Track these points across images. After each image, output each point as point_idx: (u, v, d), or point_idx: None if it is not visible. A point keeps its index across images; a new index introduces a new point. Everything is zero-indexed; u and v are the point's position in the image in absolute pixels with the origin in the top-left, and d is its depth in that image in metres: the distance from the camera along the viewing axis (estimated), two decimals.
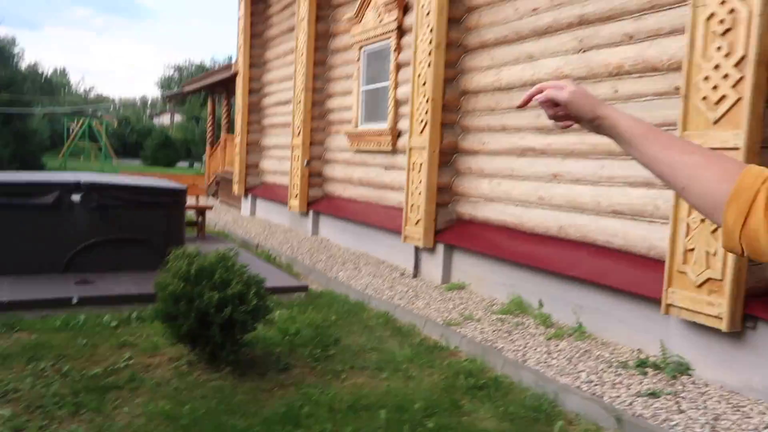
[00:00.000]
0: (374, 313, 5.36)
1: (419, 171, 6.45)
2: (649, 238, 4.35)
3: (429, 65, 6.27)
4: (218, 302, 3.56)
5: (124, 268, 5.99)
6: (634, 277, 4.37)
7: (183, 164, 41.02)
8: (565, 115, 1.07)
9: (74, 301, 4.98)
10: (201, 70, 58.12)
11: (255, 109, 12.50)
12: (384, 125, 7.82)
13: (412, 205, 6.58)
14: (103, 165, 27.11)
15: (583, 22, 4.90)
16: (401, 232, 7.05)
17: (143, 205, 6.11)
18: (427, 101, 6.31)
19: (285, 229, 10.36)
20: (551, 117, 1.09)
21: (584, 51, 4.89)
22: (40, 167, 22.63)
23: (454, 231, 6.32)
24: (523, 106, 1.18)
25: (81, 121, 27.17)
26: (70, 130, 28.37)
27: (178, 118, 56.96)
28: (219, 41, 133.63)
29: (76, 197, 5.80)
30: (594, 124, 1.02)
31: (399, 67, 7.53)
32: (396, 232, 7.36)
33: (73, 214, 5.80)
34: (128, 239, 6.04)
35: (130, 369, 3.83)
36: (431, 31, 6.24)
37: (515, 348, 4.31)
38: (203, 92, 18.42)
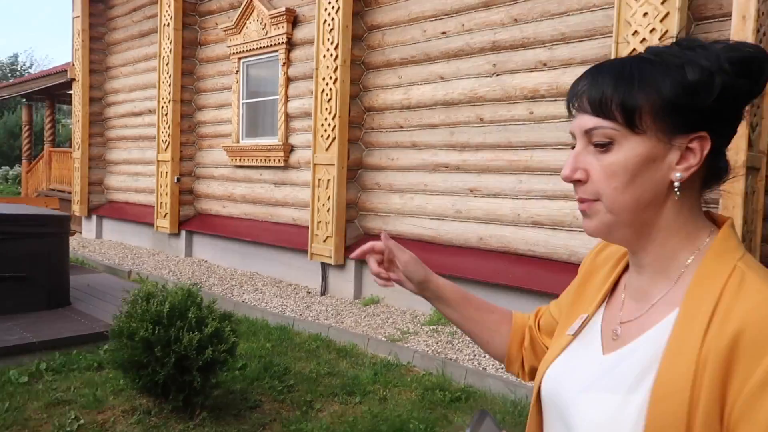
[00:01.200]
0: (306, 336, 5.25)
1: (327, 187, 6.43)
2: (569, 245, 4.87)
3: (335, 82, 6.30)
4: (197, 344, 3.27)
5: (3, 311, 5.13)
6: (557, 281, 4.86)
7: None
8: (389, 273, 1.14)
9: None
10: None
11: (97, 120, 11.32)
12: (274, 140, 7.64)
13: (319, 222, 6.53)
14: None
15: (495, 47, 5.32)
16: (303, 250, 6.96)
17: (22, 237, 5.28)
18: (333, 117, 6.32)
19: (149, 251, 9.56)
20: (375, 273, 1.14)
21: (498, 75, 5.31)
22: None
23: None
24: (357, 257, 1.24)
25: None
26: None
27: None
28: None
29: None
30: (421, 286, 1.11)
31: (289, 80, 7.42)
32: (292, 250, 7.25)
33: None
34: (6, 277, 5.18)
35: None
36: (336, 47, 6.27)
37: (467, 357, 4.55)
38: (14, 98, 16.14)
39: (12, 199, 8.33)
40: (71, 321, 5.07)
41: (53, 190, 13.89)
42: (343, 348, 4.91)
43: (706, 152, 0.75)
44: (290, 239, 7.32)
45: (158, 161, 9.11)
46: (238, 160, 8.18)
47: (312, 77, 7.06)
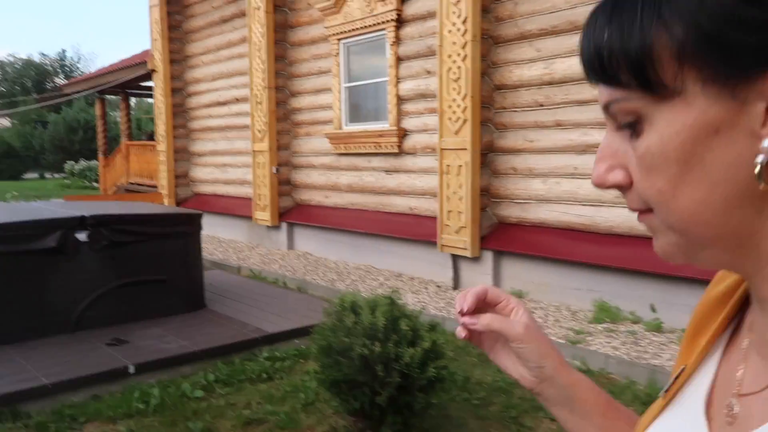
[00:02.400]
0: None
1: (458, 174, 6.00)
2: None
3: (464, 59, 5.83)
4: (420, 360, 2.91)
5: (143, 317, 4.92)
6: None
7: (31, 175, 36.48)
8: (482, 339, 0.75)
9: (131, 370, 3.94)
10: (30, 65, 51.67)
11: (178, 111, 11.15)
12: (384, 125, 7.24)
13: (449, 212, 6.12)
14: None
15: None
16: (424, 241, 6.59)
17: (158, 238, 5.04)
18: (463, 98, 5.87)
19: (247, 245, 9.35)
20: (463, 314, 0.72)
21: None
22: None
23: (501, 236, 5.98)
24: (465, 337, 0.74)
25: None
26: None
27: (6, 123, 50.11)
28: (39, 35, 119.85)
29: (81, 236, 4.62)
30: (545, 375, 0.70)
31: (399, 60, 6.98)
32: (411, 241, 6.88)
33: (80, 257, 4.62)
34: (145, 281, 4.95)
35: None
36: (464, 21, 5.79)
37: (669, 362, 4.09)
38: (81, 93, 16.20)
39: (112, 196, 8.18)
40: (219, 326, 4.81)
41: (133, 184, 13.89)
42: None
43: None
44: (408, 230, 6.94)
45: (254, 151, 8.84)
46: (342, 148, 7.82)
47: (427, 55, 6.62)
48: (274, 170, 8.59)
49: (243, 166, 9.86)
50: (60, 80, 53.95)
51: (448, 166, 6.09)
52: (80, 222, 4.62)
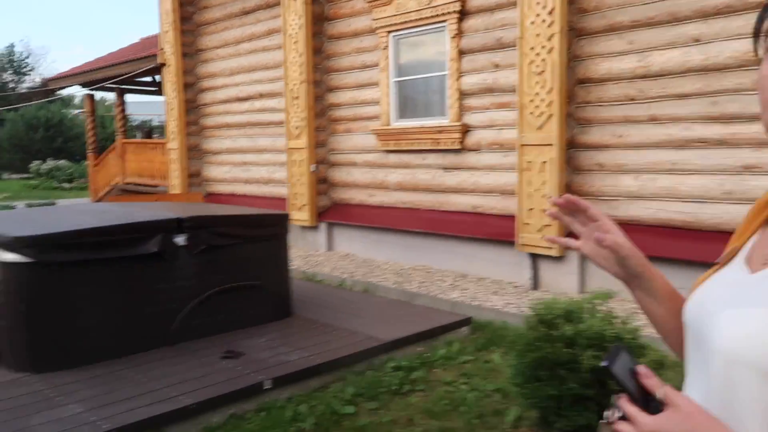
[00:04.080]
0: None
1: (540, 171, 5.80)
2: None
3: (549, 51, 5.64)
4: None
5: (239, 325, 4.55)
6: None
7: (12, 177, 34.63)
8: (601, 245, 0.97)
9: (267, 386, 3.57)
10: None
11: (190, 108, 10.61)
12: (442, 120, 6.98)
13: (530, 210, 5.92)
14: None
15: None
16: (491, 240, 6.39)
17: (251, 241, 4.66)
18: (548, 92, 5.68)
19: None
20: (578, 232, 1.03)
21: None
22: None
23: None
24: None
25: None
26: None
27: None
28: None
29: (180, 240, 4.20)
30: (634, 273, 0.97)
31: (461, 53, 6.74)
32: (475, 240, 6.66)
33: (179, 263, 4.20)
34: (242, 287, 4.57)
35: None
36: (551, 12, 5.60)
37: None
38: (64, 88, 15.31)
39: (154, 196, 7.60)
40: (325, 334, 4.47)
41: (130, 184, 13.20)
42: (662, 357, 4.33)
43: None
44: (471, 229, 6.71)
45: (289, 149, 8.44)
46: (390, 145, 7.53)
47: (496, 48, 6.41)
48: (312, 168, 8.22)
49: (268, 165, 9.44)
50: (8, 76, 51.47)
51: (529, 162, 5.89)
52: (178, 225, 4.21)
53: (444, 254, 7.04)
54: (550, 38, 5.64)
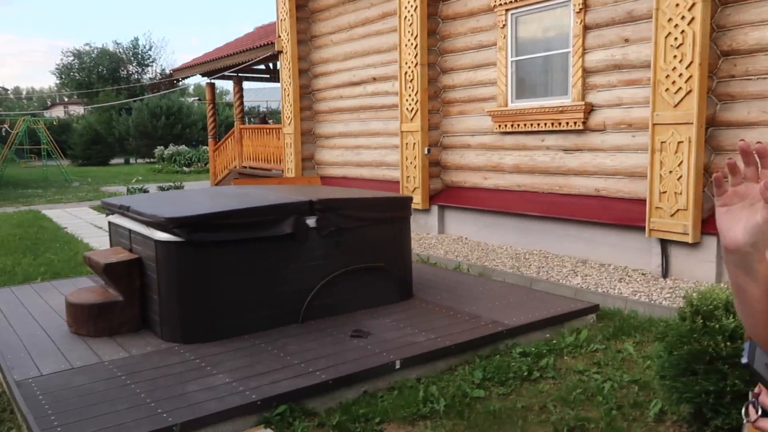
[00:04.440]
0: None
1: (676, 151, 5.44)
2: None
3: (690, 22, 5.24)
4: None
5: (363, 305, 4.65)
6: None
7: (117, 161, 37.64)
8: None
9: (398, 366, 3.64)
10: (105, 54, 53.09)
11: (304, 93, 10.93)
12: (564, 100, 6.72)
13: (663, 193, 5.57)
14: (56, 171, 23.94)
15: None
16: (615, 224, 6.08)
17: (376, 224, 4.73)
18: (687, 66, 5.28)
19: None
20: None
21: None
22: None
23: None
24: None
25: (17, 122, 23.65)
26: (2, 131, 24.63)
27: (78, 110, 51.56)
28: (91, 27, 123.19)
29: (311, 221, 4.35)
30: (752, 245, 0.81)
31: (586, 29, 6.42)
32: (597, 224, 6.37)
33: (310, 244, 4.36)
34: (366, 269, 4.66)
35: None
36: None
37: None
38: (186, 77, 16.28)
39: (275, 180, 8.01)
40: (447, 317, 4.47)
41: (246, 167, 13.87)
42: None
43: None
44: (594, 213, 6.43)
45: (402, 132, 8.48)
46: (507, 126, 7.35)
47: (626, 22, 6.04)
48: (426, 151, 8.22)
49: (379, 148, 9.56)
50: (133, 68, 55.49)
51: (663, 142, 5.53)
52: (310, 207, 4.35)
53: (562, 239, 6.82)
54: (690, 8, 5.23)
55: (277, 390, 3.23)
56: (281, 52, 10.90)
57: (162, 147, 29.83)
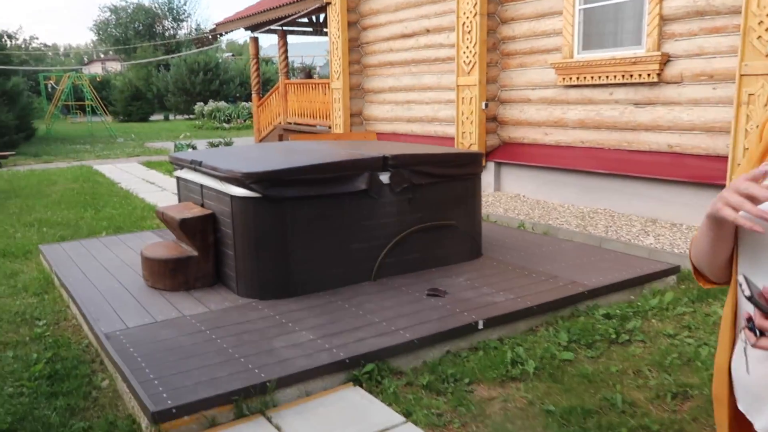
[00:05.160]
0: None
1: (766, 104, 5.11)
2: None
3: None
4: None
5: (433, 264, 4.56)
6: None
7: (157, 117, 37.98)
8: None
9: (480, 326, 3.56)
10: (141, 10, 52.97)
11: (353, 47, 10.68)
12: (637, 50, 6.36)
13: (747, 149, 5.27)
14: (100, 127, 24.28)
15: None
16: (686, 182, 5.80)
17: (448, 180, 4.59)
18: None
19: None
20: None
21: None
22: (31, 133, 19.85)
23: None
24: None
25: (62, 78, 23.93)
26: (48, 88, 24.98)
27: (116, 66, 51.78)
28: None
29: (384, 177, 4.23)
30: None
31: None
32: (668, 182, 6.10)
33: (383, 200, 4.25)
34: (438, 226, 4.55)
35: None
36: None
37: None
38: (227, 31, 16.06)
39: (331, 135, 7.90)
40: (523, 276, 4.35)
41: (291, 123, 13.77)
42: None
43: None
44: (666, 170, 6.16)
45: (458, 86, 8.22)
46: (572, 79, 7.03)
47: None
48: (483, 106, 7.96)
49: (432, 103, 9.32)
50: (168, 23, 55.35)
51: (751, 95, 5.19)
52: (383, 163, 4.23)
53: (630, 197, 6.57)
54: None
55: (363, 348, 3.18)
56: (329, 3, 10.62)
57: (201, 103, 29.92)
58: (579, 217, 6.56)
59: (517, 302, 3.84)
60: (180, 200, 4.90)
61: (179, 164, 4.79)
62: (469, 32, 7.93)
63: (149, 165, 12.82)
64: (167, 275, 4.09)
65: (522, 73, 7.78)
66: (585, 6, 6.89)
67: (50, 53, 60.92)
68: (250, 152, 4.83)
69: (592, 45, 6.90)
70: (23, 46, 52.13)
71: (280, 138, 14.08)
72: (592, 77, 6.81)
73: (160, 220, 4.39)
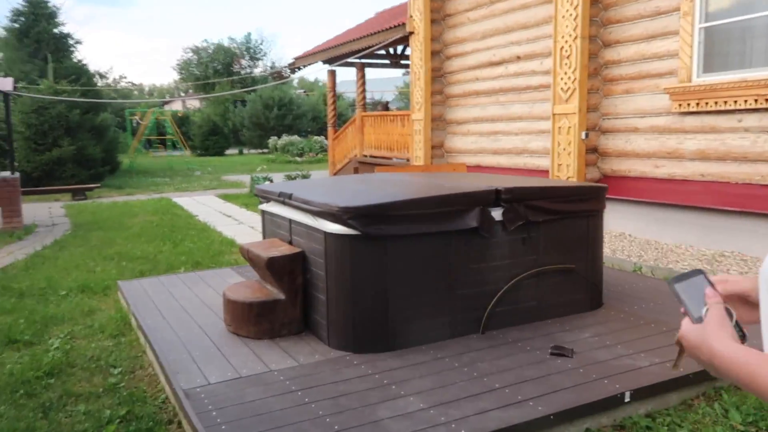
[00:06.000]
0: None
1: None
2: None
3: None
4: None
5: (549, 314, 3.93)
6: None
7: (232, 151, 39.01)
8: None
9: (627, 398, 2.89)
10: (221, 49, 55.08)
11: (435, 77, 10.28)
12: None
13: None
14: (180, 161, 24.99)
15: None
16: None
17: (567, 217, 3.98)
18: None
19: None
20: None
21: None
22: (116, 166, 20.57)
23: None
24: None
25: (146, 113, 24.93)
26: (133, 123, 26.09)
27: (195, 103, 53.89)
28: (207, 24, 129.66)
29: (496, 214, 3.67)
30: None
31: None
32: None
33: (495, 240, 3.69)
34: (555, 271, 3.93)
35: None
36: None
37: None
38: (304, 65, 16.07)
39: (418, 167, 7.47)
40: (660, 333, 3.64)
41: (366, 156, 13.47)
42: None
43: None
44: None
45: (555, 114, 7.60)
46: (690, 105, 6.29)
47: None
48: (583, 136, 7.30)
49: (521, 133, 8.72)
50: (246, 62, 57.41)
51: None
52: (495, 197, 3.68)
53: (763, 238, 5.70)
54: None
55: (489, 424, 2.59)
56: (413, 33, 10.30)
57: (275, 137, 30.44)
58: (703, 261, 5.74)
59: (665, 368, 3.15)
60: (265, 236, 4.51)
61: (266, 197, 4.41)
62: (567, 57, 7.33)
63: (226, 198, 12.78)
64: (251, 321, 3.66)
65: (628, 99, 7.08)
66: (705, 24, 6.17)
67: (136, 91, 64.49)
68: (344, 184, 4.39)
69: (715, 67, 6.16)
70: (112, 84, 55.30)
71: (356, 171, 13.79)
72: (715, 102, 6.05)
73: (245, 258, 3.99)
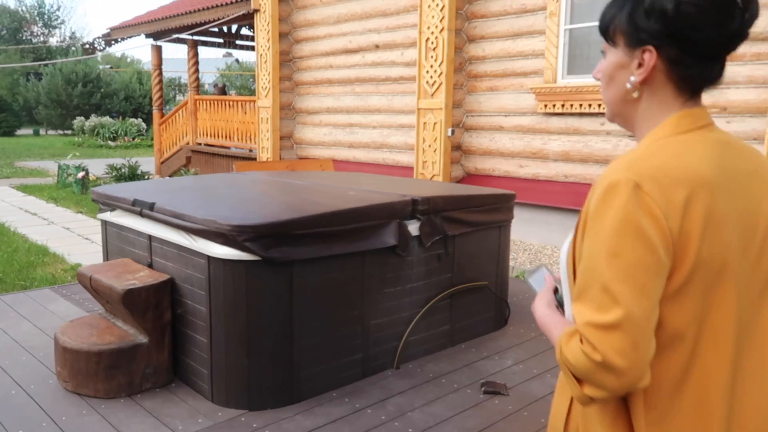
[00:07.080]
0: None
1: None
2: None
3: None
4: None
5: (462, 338, 3.52)
6: None
7: (25, 131, 33.86)
8: None
9: None
10: (6, 12, 47.75)
11: (284, 61, 9.46)
12: None
13: None
14: None
15: None
16: None
17: (481, 229, 3.56)
18: None
19: None
20: None
21: None
22: None
23: None
24: None
25: None
26: None
27: None
28: None
29: (413, 228, 3.12)
30: None
31: None
32: None
33: (410, 259, 3.13)
34: (469, 289, 3.50)
35: None
36: None
37: None
38: (121, 38, 14.15)
39: (284, 163, 6.43)
40: None
41: (200, 144, 12.18)
42: None
43: (652, 63, 0.99)
44: None
45: (419, 109, 7.27)
46: (556, 107, 6.33)
47: None
48: (449, 133, 7.07)
49: (380, 127, 8.32)
50: (38, 29, 50.42)
51: None
52: (412, 209, 3.12)
53: None
54: None
55: None
56: (258, 10, 9.35)
57: (82, 118, 26.93)
58: None
59: None
60: (108, 255, 3.46)
61: (109, 204, 3.37)
62: (434, 49, 7.03)
63: (26, 190, 10.69)
64: (100, 375, 2.70)
65: (493, 97, 6.99)
66: (572, 26, 6.23)
67: None
68: (216, 189, 3.51)
69: (579, 69, 6.24)
70: None
71: (188, 160, 12.42)
72: (580, 105, 6.13)
73: (87, 288, 2.97)
